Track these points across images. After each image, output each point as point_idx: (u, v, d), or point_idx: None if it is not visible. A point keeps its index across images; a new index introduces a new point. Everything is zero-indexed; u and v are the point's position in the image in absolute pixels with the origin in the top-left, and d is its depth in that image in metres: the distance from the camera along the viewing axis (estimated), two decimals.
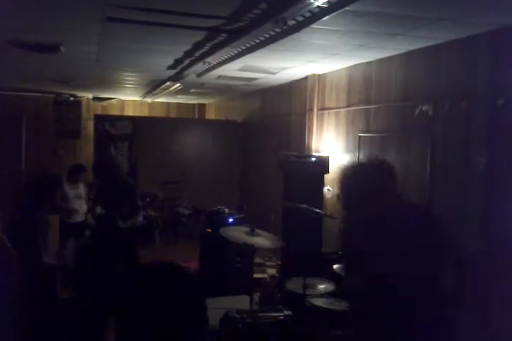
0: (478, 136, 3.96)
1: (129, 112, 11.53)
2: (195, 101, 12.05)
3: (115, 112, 11.32)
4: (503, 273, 3.67)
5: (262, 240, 4.14)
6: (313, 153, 6.50)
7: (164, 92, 8.76)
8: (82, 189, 7.19)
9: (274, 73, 6.74)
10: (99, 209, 5.56)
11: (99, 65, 6.43)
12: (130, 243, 5.43)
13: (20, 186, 9.73)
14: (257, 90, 8.83)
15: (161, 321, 1.28)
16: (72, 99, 10.87)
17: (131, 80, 8.11)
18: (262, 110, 8.93)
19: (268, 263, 7.00)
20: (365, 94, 5.60)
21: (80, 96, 10.92)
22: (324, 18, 3.52)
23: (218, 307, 3.86)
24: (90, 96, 10.95)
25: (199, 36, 4.58)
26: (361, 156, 5.59)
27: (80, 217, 6.97)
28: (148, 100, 11.00)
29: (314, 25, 3.79)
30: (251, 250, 4.42)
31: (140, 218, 5.45)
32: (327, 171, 6.08)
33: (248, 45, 4.71)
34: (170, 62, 6.04)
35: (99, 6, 3.66)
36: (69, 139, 11.00)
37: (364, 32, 4.16)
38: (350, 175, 2.74)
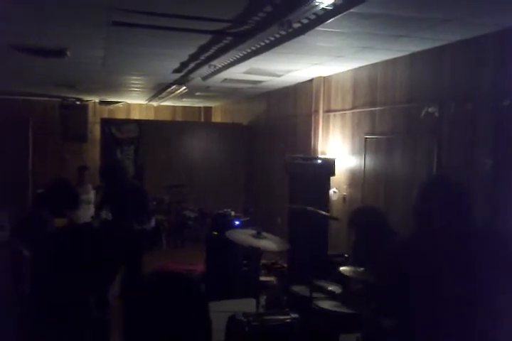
0: (484, 137, 3.95)
1: (135, 116, 11.56)
2: (201, 105, 12.07)
3: (121, 116, 11.35)
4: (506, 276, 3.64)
5: (269, 243, 4.13)
6: (319, 155, 6.49)
7: (170, 96, 8.78)
8: (91, 193, 7.27)
9: (279, 76, 6.75)
10: (104, 214, 5.55)
11: (105, 69, 6.46)
12: (139, 246, 5.42)
13: (27, 190, 9.78)
14: (262, 93, 8.84)
15: (165, 327, 1.28)
16: (78, 103, 10.91)
17: (137, 84, 8.14)
18: (267, 113, 8.94)
19: (274, 266, 6.99)
20: (371, 95, 5.59)
21: (86, 100, 10.96)
22: (329, 21, 3.52)
23: (224, 310, 3.86)
24: (97, 100, 10.99)
25: (204, 39, 4.59)
26: (367, 158, 5.59)
27: (85, 220, 6.99)
28: (154, 104, 11.02)
29: (319, 28, 3.79)
30: (257, 253, 4.40)
31: (153, 222, 5.44)
32: (333, 173, 6.07)
33: (253, 48, 4.72)
34: (175, 65, 6.06)
35: (104, 10, 3.68)
36: (75, 143, 11.04)
37: (369, 34, 4.16)
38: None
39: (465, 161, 4.14)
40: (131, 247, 5.17)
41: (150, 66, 6.24)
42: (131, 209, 5.29)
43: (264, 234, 4.18)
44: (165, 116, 11.97)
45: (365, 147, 5.62)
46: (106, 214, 5.43)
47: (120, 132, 9.52)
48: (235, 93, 9.01)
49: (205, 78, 6.54)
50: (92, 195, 7.28)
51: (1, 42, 4.94)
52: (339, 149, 6.23)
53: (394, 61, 5.16)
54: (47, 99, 10.56)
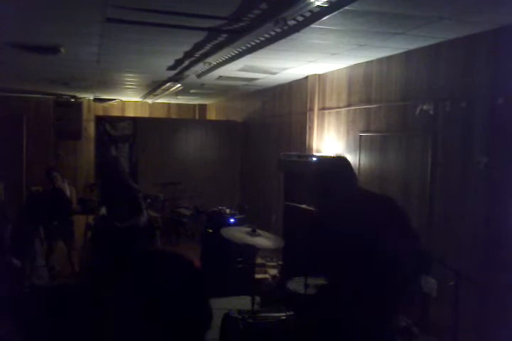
0: (478, 135, 3.96)
1: (130, 113, 11.52)
2: (196, 102, 12.06)
3: (116, 113, 11.32)
4: (502, 273, 3.66)
5: (263, 240, 4.13)
6: (314, 153, 6.49)
7: (165, 93, 8.76)
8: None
9: (274, 73, 6.74)
10: (103, 210, 5.56)
11: (99, 66, 6.43)
12: (130, 243, 5.41)
13: (21, 187, 9.74)
14: (257, 90, 8.83)
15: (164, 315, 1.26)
16: (73, 100, 10.87)
17: (131, 81, 8.11)
18: (262, 110, 8.93)
19: (269, 263, 7.00)
20: (366, 93, 5.60)
21: (80, 98, 10.92)
22: (324, 18, 3.52)
23: (220, 307, 3.86)
24: (91, 97, 10.95)
25: (199, 37, 4.58)
26: (362, 156, 5.59)
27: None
28: (149, 101, 10.99)
29: (314, 25, 3.79)
30: (252, 250, 4.41)
31: (142, 218, 5.42)
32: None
33: (248, 46, 4.71)
34: (170, 62, 6.04)
35: (99, 7, 3.66)
36: (70, 140, 11.00)
37: (364, 31, 4.16)
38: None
39: (460, 159, 4.15)
40: (123, 243, 5.18)
41: (145, 63, 6.22)
42: (122, 204, 5.30)
43: (259, 231, 4.18)
44: (160, 114, 11.94)
45: (360, 145, 5.62)
46: (104, 210, 5.46)
47: (115, 129, 9.49)
48: (229, 90, 9.00)
49: (200, 75, 6.53)
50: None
51: None
52: (334, 147, 6.24)
53: (389, 59, 5.16)
54: (41, 96, 10.52)
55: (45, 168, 7.47)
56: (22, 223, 5.55)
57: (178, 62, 5.99)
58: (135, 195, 5.44)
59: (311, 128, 6.69)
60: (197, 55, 5.40)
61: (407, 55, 4.88)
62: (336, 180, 2.86)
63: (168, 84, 7.63)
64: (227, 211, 6.61)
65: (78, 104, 11.03)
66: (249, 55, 5.07)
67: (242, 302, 4.17)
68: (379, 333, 2.69)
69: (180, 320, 1.27)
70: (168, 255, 1.38)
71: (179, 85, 7.58)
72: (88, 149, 10.72)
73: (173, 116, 12.08)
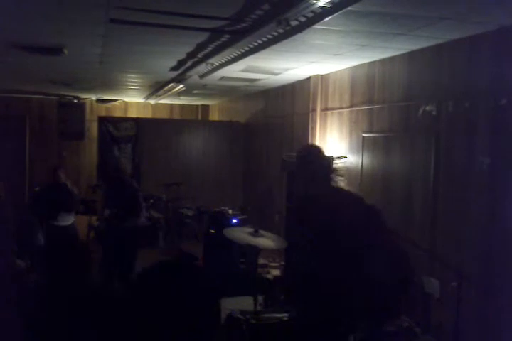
0: (481, 136, 3.96)
1: (133, 114, 11.53)
2: (199, 103, 12.07)
3: (119, 114, 11.33)
4: (505, 274, 3.66)
5: (266, 241, 4.13)
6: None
7: (167, 94, 8.77)
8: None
9: (277, 74, 6.74)
10: (107, 212, 5.59)
11: (102, 66, 6.45)
12: (131, 243, 5.44)
13: (24, 188, 9.76)
14: (260, 91, 8.83)
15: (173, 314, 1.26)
16: (75, 101, 10.89)
17: (134, 82, 8.13)
18: (265, 111, 8.94)
19: (272, 264, 6.99)
20: (368, 94, 5.59)
21: (83, 98, 10.94)
22: (327, 19, 3.52)
23: (222, 308, 3.86)
24: (94, 98, 10.97)
25: (202, 37, 4.59)
26: (365, 157, 5.59)
27: (64, 221, 6.83)
28: (152, 102, 11.01)
29: (317, 26, 3.79)
30: (255, 251, 4.41)
31: (141, 219, 5.44)
32: (331, 172, 6.07)
33: (251, 46, 4.71)
34: (173, 63, 6.05)
35: (102, 8, 3.67)
36: (73, 141, 11.02)
37: (366, 32, 4.16)
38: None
39: (462, 160, 4.14)
40: (122, 244, 5.22)
41: (147, 64, 6.23)
42: (122, 204, 5.33)
43: (262, 231, 4.18)
44: (162, 114, 11.96)
45: (363, 145, 5.62)
46: (107, 211, 5.49)
47: (117, 130, 9.52)
48: (232, 91, 9.00)
49: (202, 76, 6.53)
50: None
51: None
52: (337, 147, 6.23)
53: (392, 59, 5.16)
54: (44, 96, 10.54)
55: (53, 166, 7.48)
56: (25, 222, 5.58)
57: (181, 63, 6.00)
58: (135, 193, 5.46)
59: (314, 128, 6.69)
60: (199, 55, 5.41)
61: (410, 55, 4.88)
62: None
63: (171, 84, 7.64)
64: (230, 211, 6.62)
65: (81, 105, 11.05)
66: (251, 56, 5.07)
67: (244, 303, 4.16)
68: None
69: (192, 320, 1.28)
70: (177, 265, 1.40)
71: (182, 86, 7.59)
72: (91, 150, 10.74)
73: (176, 117, 12.09)
